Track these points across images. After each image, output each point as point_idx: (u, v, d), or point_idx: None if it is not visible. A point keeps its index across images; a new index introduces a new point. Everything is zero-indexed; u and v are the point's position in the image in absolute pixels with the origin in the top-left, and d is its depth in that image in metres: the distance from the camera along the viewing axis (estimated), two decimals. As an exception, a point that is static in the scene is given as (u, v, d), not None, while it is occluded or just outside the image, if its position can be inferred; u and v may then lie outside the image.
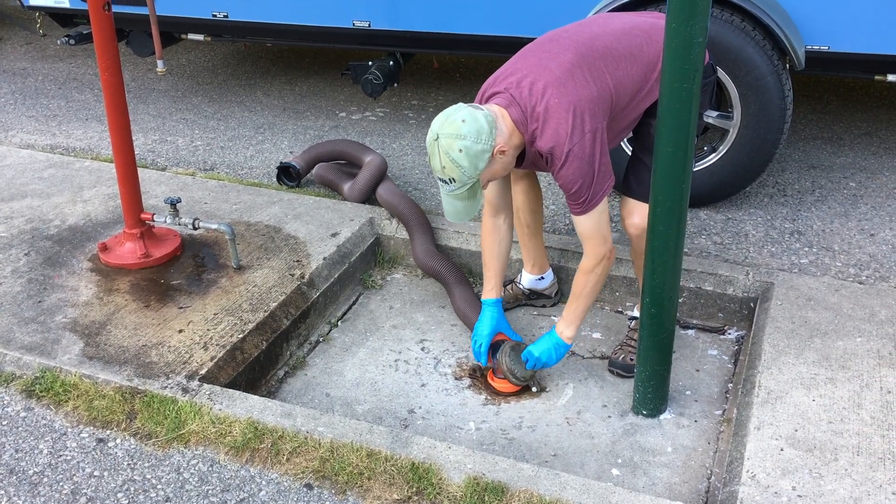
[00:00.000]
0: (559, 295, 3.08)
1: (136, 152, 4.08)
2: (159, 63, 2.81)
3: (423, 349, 2.86)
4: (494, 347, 2.64)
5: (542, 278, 3.02)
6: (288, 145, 4.20)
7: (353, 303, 3.15)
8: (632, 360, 2.65)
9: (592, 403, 2.59)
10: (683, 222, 2.19)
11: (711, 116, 3.32)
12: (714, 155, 3.37)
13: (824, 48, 3.25)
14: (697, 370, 2.72)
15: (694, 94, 2.01)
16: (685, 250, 3.04)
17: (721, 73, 3.19)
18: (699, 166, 3.37)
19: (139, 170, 3.81)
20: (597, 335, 2.91)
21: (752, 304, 2.88)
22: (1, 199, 3.53)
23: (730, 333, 2.91)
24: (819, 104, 4.53)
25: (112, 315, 2.75)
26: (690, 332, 2.92)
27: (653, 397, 2.48)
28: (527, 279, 3.02)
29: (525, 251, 2.95)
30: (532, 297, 3.06)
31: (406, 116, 4.54)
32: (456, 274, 2.98)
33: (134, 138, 4.27)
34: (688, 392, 2.61)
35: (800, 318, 2.65)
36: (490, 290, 2.68)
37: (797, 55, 3.14)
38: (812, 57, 3.25)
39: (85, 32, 4.58)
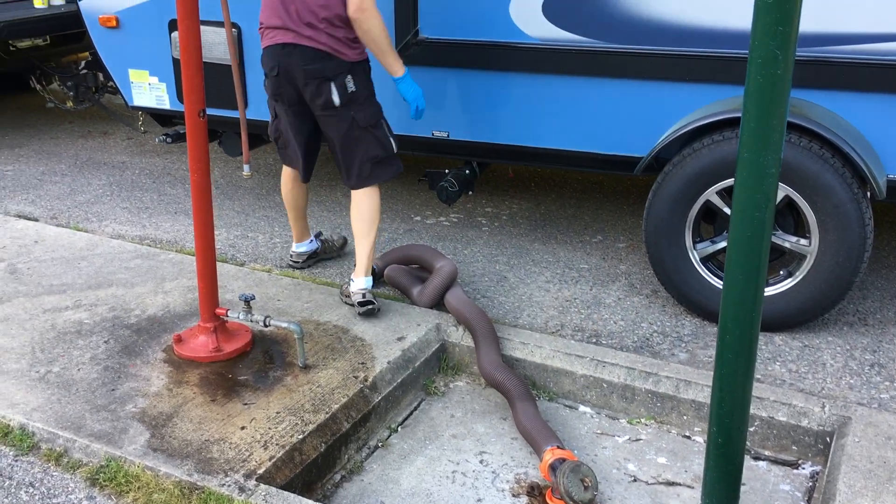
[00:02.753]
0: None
1: (217, 247, 4.27)
2: (245, 167, 2.96)
3: (481, 461, 2.81)
4: (554, 466, 2.58)
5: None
6: (362, 247, 4.31)
7: (415, 409, 3.14)
8: None
9: (654, 534, 2.48)
10: (754, 353, 2.14)
11: (789, 241, 3.27)
12: (790, 280, 3.30)
13: (907, 177, 3.20)
14: (768, 506, 2.59)
15: (766, 224, 1.99)
16: (758, 376, 2.95)
17: (798, 199, 3.16)
18: (775, 290, 3.30)
19: (219, 264, 3.96)
20: (662, 460, 2.82)
21: (827, 439, 2.75)
22: (89, 286, 3.70)
23: (804, 468, 2.77)
24: (903, 230, 4.41)
25: (179, 407, 2.81)
26: (762, 463, 2.80)
27: (719, 532, 2.36)
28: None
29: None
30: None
31: (479, 223, 4.62)
32: (520, 388, 2.95)
33: (217, 233, 4.48)
34: (757, 529, 2.49)
35: (878, 457, 2.51)
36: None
37: (878, 184, 3.09)
38: (894, 186, 3.19)
39: (181, 132, 4.86)
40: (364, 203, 3.46)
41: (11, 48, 6.13)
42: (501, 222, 4.63)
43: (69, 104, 6.20)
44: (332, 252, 4.14)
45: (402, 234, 4.48)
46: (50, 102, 6.20)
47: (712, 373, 3.00)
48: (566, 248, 4.28)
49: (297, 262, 4.04)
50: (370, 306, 3.39)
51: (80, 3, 4.63)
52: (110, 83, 4.87)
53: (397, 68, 3.40)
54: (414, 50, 3.86)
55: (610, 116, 3.68)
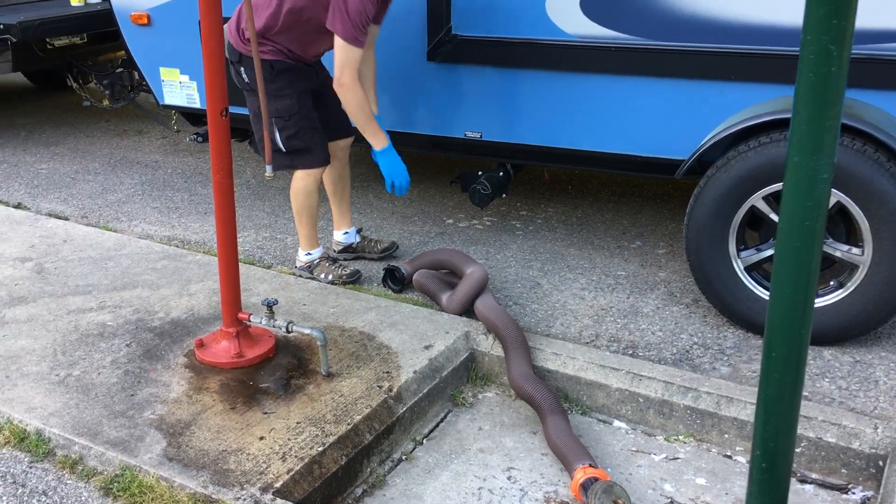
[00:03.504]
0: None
1: (245, 248, 4.22)
2: (268, 168, 2.87)
3: (509, 478, 2.69)
4: (585, 486, 2.45)
5: (347, 233, 4.00)
6: (393, 249, 4.20)
7: (441, 420, 3.02)
8: None
9: (692, 562, 2.33)
10: (802, 372, 1.98)
11: (841, 250, 3.09)
12: (842, 291, 3.11)
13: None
14: (815, 534, 2.42)
15: (817, 234, 1.83)
16: (805, 394, 2.77)
17: (851, 205, 2.97)
18: (825, 302, 3.11)
19: (245, 266, 3.90)
20: (701, 480, 2.66)
21: (880, 462, 2.57)
22: (114, 287, 3.65)
23: (854, 493, 2.59)
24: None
25: (198, 415, 2.72)
26: (808, 487, 2.62)
27: (762, 563, 2.20)
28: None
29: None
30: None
31: (513, 227, 4.48)
32: (551, 401, 2.81)
33: (246, 234, 4.42)
34: (803, 560, 2.32)
35: (938, 486, 2.33)
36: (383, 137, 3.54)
37: (938, 190, 2.89)
38: (955, 192, 2.99)
39: (213, 131, 4.81)
40: (292, 184, 3.69)
41: (48, 46, 6.15)
42: (536, 226, 4.49)
43: (105, 103, 6.20)
44: (371, 252, 4.04)
45: (433, 237, 4.36)
46: (86, 101, 6.21)
47: (756, 389, 2.84)
48: (603, 253, 4.13)
49: (333, 253, 3.99)
50: (307, 274, 3.77)
51: (112, 1, 4.60)
52: (145, 82, 4.84)
53: (376, 142, 3.52)
54: (447, 48, 3.74)
55: (650, 117, 3.52)
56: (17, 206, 4.78)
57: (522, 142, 3.82)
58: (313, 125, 3.57)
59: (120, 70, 6.02)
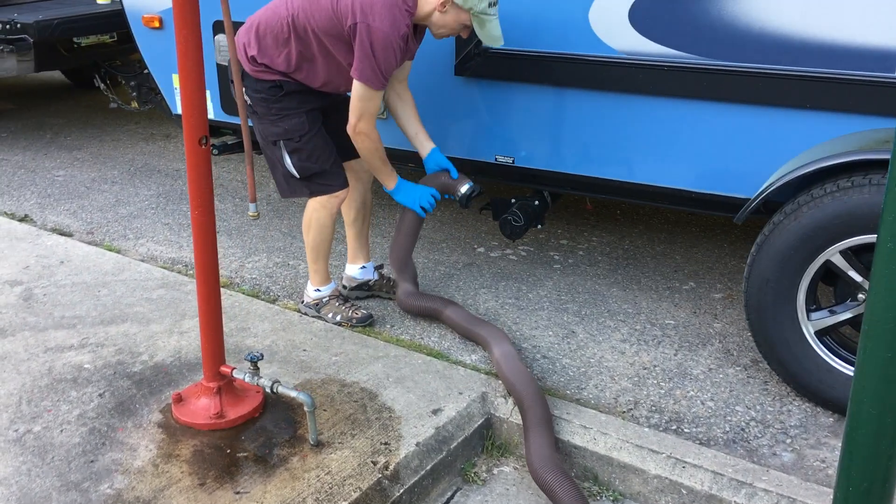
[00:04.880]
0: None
1: (254, 276, 3.85)
2: (251, 206, 2.46)
3: (520, 585, 2.25)
4: None
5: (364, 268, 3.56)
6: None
7: (447, 501, 2.60)
8: None
9: None
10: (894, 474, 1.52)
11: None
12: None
13: None
14: None
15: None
16: None
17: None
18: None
19: (248, 300, 3.54)
20: None
21: None
22: (101, 321, 3.32)
23: None
24: None
25: (161, 492, 2.35)
26: None
27: None
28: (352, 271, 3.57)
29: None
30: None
31: (551, 259, 4.02)
32: (575, 497, 2.35)
33: (257, 258, 4.05)
34: None
35: None
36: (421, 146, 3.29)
37: None
38: None
39: (229, 143, 4.46)
40: (306, 214, 3.30)
41: (75, 45, 5.89)
42: (577, 259, 4.02)
43: (134, 105, 5.92)
44: (388, 292, 3.59)
45: (460, 268, 3.93)
46: (113, 103, 5.94)
47: (827, 489, 2.35)
48: (650, 296, 3.63)
49: (344, 290, 3.55)
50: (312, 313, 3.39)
51: (123, 1, 4.28)
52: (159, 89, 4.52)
53: (388, 183, 3.24)
54: (476, 61, 3.30)
55: (707, 148, 3.02)
56: (23, 219, 4.51)
57: (558, 170, 3.35)
58: (326, 143, 3.17)
59: (146, 71, 5.71)
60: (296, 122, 3.11)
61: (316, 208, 3.24)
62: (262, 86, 3.08)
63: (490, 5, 2.90)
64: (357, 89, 2.94)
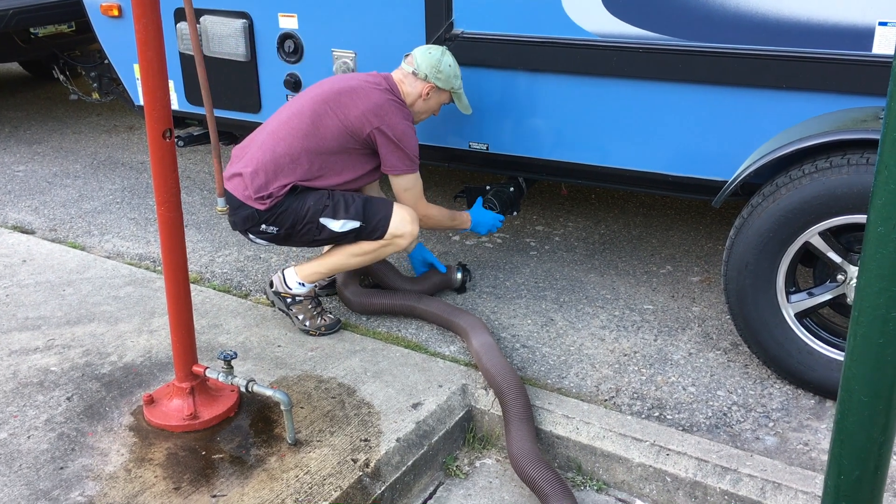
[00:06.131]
0: None
1: (224, 270, 3.76)
2: (219, 201, 2.38)
3: (506, 580, 2.21)
4: None
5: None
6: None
7: (429, 496, 2.55)
8: None
9: None
10: (886, 463, 1.48)
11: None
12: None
13: None
14: None
15: None
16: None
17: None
18: None
19: (219, 295, 3.46)
20: (741, 591, 2.16)
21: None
22: (67, 321, 3.21)
23: None
24: None
25: (134, 498, 2.28)
26: None
27: None
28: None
29: None
30: None
31: (527, 245, 3.98)
32: (558, 489, 2.32)
33: (227, 252, 3.96)
34: None
35: None
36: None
37: None
38: None
39: (195, 134, 4.35)
40: (361, 244, 3.11)
41: (32, 36, 5.71)
42: (553, 245, 3.98)
43: (95, 96, 5.75)
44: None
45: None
46: (73, 94, 5.76)
47: (812, 473, 2.34)
48: (628, 280, 3.61)
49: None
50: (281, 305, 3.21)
51: (80, -11, 4.15)
52: (119, 80, 4.38)
53: (465, 226, 3.41)
54: (447, 46, 3.22)
55: (684, 130, 2.99)
56: (-17, 217, 4.37)
57: (534, 155, 3.30)
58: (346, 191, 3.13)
59: (107, 61, 5.56)
60: (317, 194, 3.01)
61: (381, 245, 3.08)
62: (277, 205, 2.97)
63: (460, 79, 3.15)
64: (399, 182, 3.09)
